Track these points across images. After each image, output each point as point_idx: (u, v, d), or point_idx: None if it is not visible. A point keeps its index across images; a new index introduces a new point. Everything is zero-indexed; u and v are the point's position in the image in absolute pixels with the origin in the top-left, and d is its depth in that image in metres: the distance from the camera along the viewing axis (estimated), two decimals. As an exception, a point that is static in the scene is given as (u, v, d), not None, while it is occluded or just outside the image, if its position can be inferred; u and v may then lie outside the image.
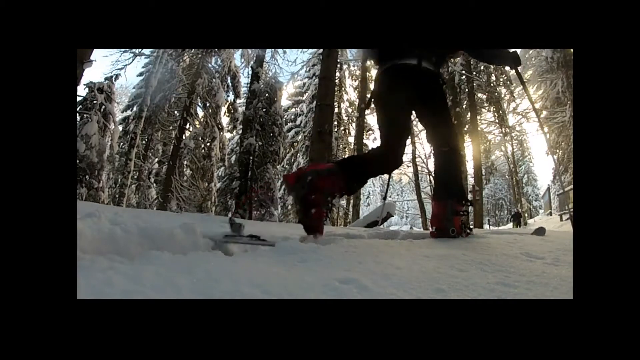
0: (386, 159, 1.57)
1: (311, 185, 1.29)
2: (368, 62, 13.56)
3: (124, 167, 10.48)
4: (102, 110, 8.84)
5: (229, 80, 11.56)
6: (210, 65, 11.16)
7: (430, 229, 1.76)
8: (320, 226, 1.35)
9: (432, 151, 1.76)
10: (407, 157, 15.41)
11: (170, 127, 11.71)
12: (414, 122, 14.41)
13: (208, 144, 10.69)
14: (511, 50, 1.77)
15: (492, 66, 12.76)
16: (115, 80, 9.82)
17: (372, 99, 1.73)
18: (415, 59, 1.58)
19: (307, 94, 15.01)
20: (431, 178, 15.77)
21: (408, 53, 1.58)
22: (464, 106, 12.99)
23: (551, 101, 13.00)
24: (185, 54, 11.09)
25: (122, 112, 12.26)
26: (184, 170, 10.90)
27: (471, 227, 1.80)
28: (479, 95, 13.10)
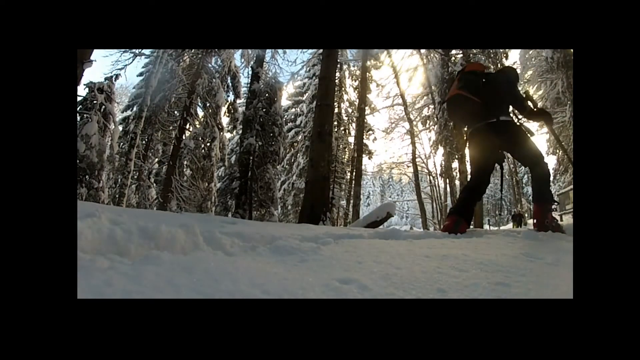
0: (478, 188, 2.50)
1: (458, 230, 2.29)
2: (368, 63, 13.61)
3: (124, 167, 10.46)
4: (102, 110, 8.83)
5: (229, 80, 11.54)
6: (210, 65, 11.15)
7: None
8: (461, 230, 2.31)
9: (528, 172, 2.56)
10: (407, 157, 15.42)
11: (170, 127, 11.69)
12: (415, 122, 14.49)
13: (208, 144, 10.68)
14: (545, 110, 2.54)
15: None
16: (115, 80, 9.80)
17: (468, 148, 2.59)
18: (494, 118, 2.34)
19: (307, 94, 14.98)
20: (431, 178, 15.78)
21: (490, 115, 2.35)
22: (464, 106, 12.91)
23: (551, 101, 12.98)
24: (185, 54, 11.07)
25: (122, 112, 12.24)
26: (184, 170, 10.87)
27: (557, 221, 2.39)
28: (479, 95, 13.02)
